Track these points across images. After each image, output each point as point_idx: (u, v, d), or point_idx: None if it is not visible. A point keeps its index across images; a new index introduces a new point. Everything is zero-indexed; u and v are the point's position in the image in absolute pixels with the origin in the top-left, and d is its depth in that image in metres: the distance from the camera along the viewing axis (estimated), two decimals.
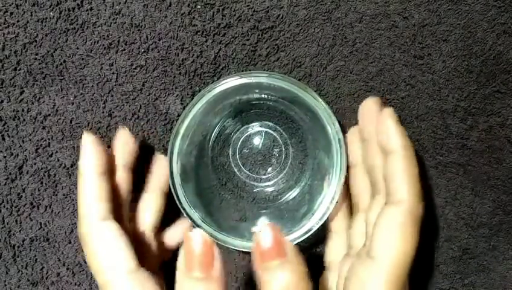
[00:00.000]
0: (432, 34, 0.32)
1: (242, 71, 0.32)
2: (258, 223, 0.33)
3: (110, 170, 0.27)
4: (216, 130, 0.33)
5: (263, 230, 0.23)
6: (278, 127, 0.33)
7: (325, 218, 0.28)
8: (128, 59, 0.31)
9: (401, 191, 0.24)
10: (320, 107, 0.28)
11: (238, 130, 0.33)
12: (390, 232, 0.24)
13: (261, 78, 0.28)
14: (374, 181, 0.28)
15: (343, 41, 0.32)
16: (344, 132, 0.33)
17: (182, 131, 0.28)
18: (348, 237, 0.30)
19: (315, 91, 0.33)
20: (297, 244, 0.28)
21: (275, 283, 0.22)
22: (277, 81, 0.27)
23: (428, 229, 0.34)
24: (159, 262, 0.30)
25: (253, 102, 0.32)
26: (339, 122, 0.28)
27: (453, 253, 0.34)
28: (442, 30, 0.32)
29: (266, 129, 0.33)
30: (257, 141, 0.33)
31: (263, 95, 0.31)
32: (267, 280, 0.22)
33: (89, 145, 0.25)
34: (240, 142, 0.33)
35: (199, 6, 0.31)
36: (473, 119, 0.33)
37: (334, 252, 0.31)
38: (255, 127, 0.34)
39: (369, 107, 0.28)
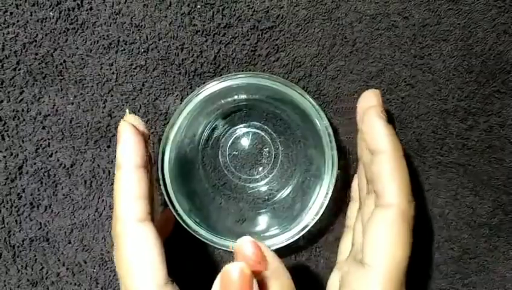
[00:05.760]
0: (431, 34, 0.32)
1: (238, 72, 0.32)
2: (255, 224, 0.33)
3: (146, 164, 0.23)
4: (205, 133, 0.33)
5: (243, 243, 0.21)
6: (266, 127, 0.33)
7: (320, 213, 0.28)
8: (128, 59, 0.31)
9: (390, 194, 0.23)
10: (307, 103, 0.28)
11: (226, 133, 0.33)
12: (381, 238, 0.23)
13: (245, 79, 0.27)
14: (369, 178, 0.26)
15: (343, 41, 0.32)
16: (336, 131, 0.33)
17: (171, 137, 0.28)
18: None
19: (315, 91, 0.33)
20: (294, 243, 0.29)
21: None
22: (262, 80, 0.27)
23: (429, 229, 0.34)
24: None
25: (241, 103, 0.32)
26: (328, 119, 0.28)
27: (453, 253, 0.34)
28: (442, 30, 0.32)
29: (254, 130, 0.33)
30: (246, 142, 0.33)
31: (250, 96, 0.31)
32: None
33: (128, 135, 0.22)
34: (229, 145, 0.33)
35: (199, 6, 0.31)
36: (473, 119, 0.33)
37: (343, 250, 0.29)
38: (243, 128, 0.34)
39: (367, 100, 0.26)
